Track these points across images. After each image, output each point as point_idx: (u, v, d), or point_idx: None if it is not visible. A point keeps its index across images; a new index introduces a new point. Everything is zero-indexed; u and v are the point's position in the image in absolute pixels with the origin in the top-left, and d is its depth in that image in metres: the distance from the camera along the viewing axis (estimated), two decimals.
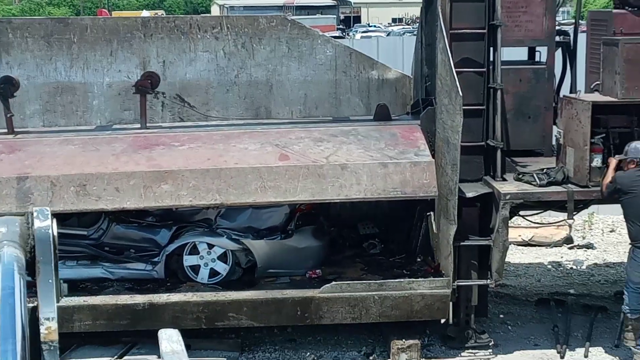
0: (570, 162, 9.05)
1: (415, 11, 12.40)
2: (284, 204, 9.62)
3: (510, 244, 11.91)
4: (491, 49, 9.33)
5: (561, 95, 9.80)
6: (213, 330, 9.38)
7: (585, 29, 11.14)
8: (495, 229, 8.93)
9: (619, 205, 8.90)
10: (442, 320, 9.49)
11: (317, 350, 9.45)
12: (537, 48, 10.45)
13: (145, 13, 60.15)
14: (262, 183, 8.92)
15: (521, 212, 9.87)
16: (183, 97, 10.41)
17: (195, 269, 9.64)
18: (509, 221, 9.23)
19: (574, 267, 12.38)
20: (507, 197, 8.84)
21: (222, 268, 9.65)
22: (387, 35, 42.60)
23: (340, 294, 9.01)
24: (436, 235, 9.37)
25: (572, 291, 11.26)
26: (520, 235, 13.26)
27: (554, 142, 9.83)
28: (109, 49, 10.27)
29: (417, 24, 11.73)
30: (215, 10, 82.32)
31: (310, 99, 10.57)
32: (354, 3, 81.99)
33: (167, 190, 8.87)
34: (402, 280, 9.18)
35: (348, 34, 50.45)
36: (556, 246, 13.30)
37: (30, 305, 3.72)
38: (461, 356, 9.31)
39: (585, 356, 9.28)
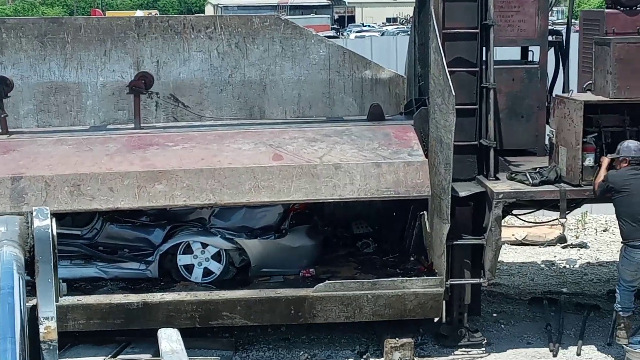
0: (562, 161, 9.09)
1: (410, 11, 12.45)
2: (277, 204, 9.65)
3: (503, 243, 11.98)
4: (484, 48, 9.37)
5: (554, 95, 9.84)
6: (207, 330, 9.40)
7: (578, 28, 11.19)
8: (488, 227, 8.96)
9: (612, 205, 8.94)
10: (436, 319, 9.51)
11: (311, 349, 9.48)
12: (530, 48, 10.48)
13: (139, 13, 60.10)
14: (255, 183, 8.95)
15: (514, 211, 9.91)
16: (177, 97, 10.43)
17: (189, 268, 9.66)
18: (502, 220, 9.27)
19: (567, 266, 12.43)
20: (500, 196, 8.87)
21: (216, 267, 9.67)
22: (382, 35, 42.63)
23: (334, 293, 9.04)
24: (429, 234, 9.40)
25: (565, 290, 11.30)
26: (513, 235, 13.30)
27: (546, 142, 9.87)
28: (102, 48, 10.29)
29: (411, 24, 11.76)
30: (209, 10, 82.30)
31: (303, 99, 10.60)
32: (348, 3, 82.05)
33: (161, 190, 8.89)
34: (395, 279, 9.22)
35: (342, 34, 50.48)
36: (549, 245, 13.35)
37: (30, 304, 3.73)
38: (454, 355, 9.33)
39: (578, 354, 9.32)
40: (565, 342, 9.59)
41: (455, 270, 9.24)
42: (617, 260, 9.13)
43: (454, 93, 8.51)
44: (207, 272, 9.66)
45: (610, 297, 10.00)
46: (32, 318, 3.75)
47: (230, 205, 9.30)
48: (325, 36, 17.65)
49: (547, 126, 9.87)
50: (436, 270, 9.21)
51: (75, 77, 10.31)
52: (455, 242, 9.08)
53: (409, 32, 11.86)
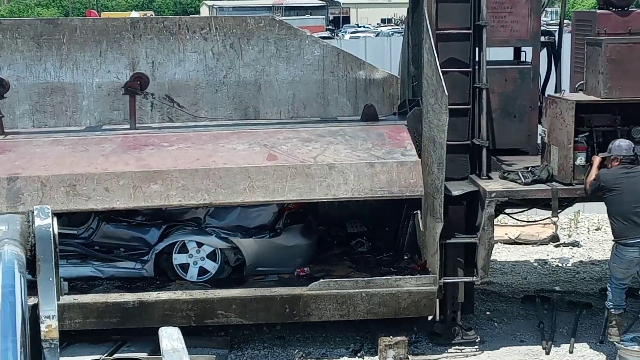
0: (554, 161, 9.17)
1: (405, 12, 12.48)
2: (272, 204, 9.71)
3: (496, 242, 12.05)
4: (477, 49, 9.44)
5: (546, 95, 9.92)
6: (202, 328, 9.45)
7: (570, 29, 11.26)
8: (481, 226, 9.03)
9: (604, 204, 9.00)
10: (429, 317, 9.59)
11: (306, 347, 9.54)
12: (523, 48, 10.54)
13: (134, 14, 60.09)
14: (250, 183, 9.01)
15: (507, 210, 9.98)
16: (172, 98, 10.49)
17: (185, 267, 9.72)
18: (495, 219, 9.34)
19: (560, 264, 12.51)
20: (493, 195, 8.95)
21: (211, 266, 9.72)
22: (376, 35, 42.67)
23: (328, 292, 9.10)
24: (423, 233, 9.47)
25: (557, 288, 11.38)
26: (507, 234, 13.37)
27: (539, 141, 9.94)
28: (98, 49, 10.35)
29: (404, 25, 11.82)
30: (204, 11, 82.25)
31: (298, 99, 10.66)
32: (343, 4, 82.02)
33: (156, 190, 8.94)
34: (389, 277, 9.28)
35: (337, 35, 50.50)
36: (542, 244, 13.42)
37: (31, 303, 3.74)
38: (448, 352, 9.39)
39: (570, 352, 9.39)
40: (557, 340, 9.66)
41: (449, 269, 9.31)
42: (609, 258, 9.20)
43: (446, 93, 8.58)
44: (202, 271, 9.72)
45: (602, 295, 10.06)
46: (33, 317, 3.74)
47: (225, 205, 9.36)
48: (320, 37, 17.70)
49: (539, 126, 9.94)
50: (430, 269, 9.28)
51: (71, 77, 10.36)
52: (448, 241, 9.15)
53: (403, 33, 11.92)
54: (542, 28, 10.48)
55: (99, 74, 10.38)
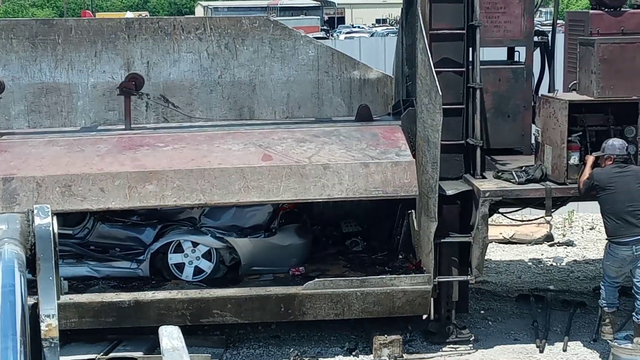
0: (548, 160, 9.21)
1: (399, 12, 12.50)
2: (267, 204, 9.74)
3: (491, 242, 12.09)
4: (470, 49, 9.49)
5: (539, 95, 9.96)
6: (198, 327, 9.48)
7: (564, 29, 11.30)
8: (475, 225, 9.07)
9: (597, 203, 9.05)
10: (424, 316, 9.63)
11: (301, 346, 9.57)
12: (516, 48, 10.59)
13: (129, 14, 60.03)
14: (245, 183, 9.04)
15: (501, 210, 10.02)
16: (167, 98, 10.51)
17: (180, 267, 9.75)
18: (490, 219, 9.38)
19: (554, 263, 12.56)
20: (487, 194, 8.99)
21: (207, 266, 9.76)
22: (371, 36, 42.68)
23: (323, 291, 9.13)
24: (417, 232, 9.51)
25: (551, 287, 11.42)
26: (501, 233, 13.42)
27: (532, 141, 9.99)
28: (93, 50, 10.37)
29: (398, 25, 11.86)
30: (199, 12, 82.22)
31: (292, 99, 10.69)
32: (338, 4, 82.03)
33: (151, 190, 8.97)
34: (384, 276, 9.31)
35: (332, 35, 50.51)
36: (537, 244, 13.47)
37: (31, 302, 3.75)
38: (442, 351, 9.43)
39: (564, 350, 9.43)
40: (551, 339, 9.70)
41: (443, 268, 9.34)
42: (603, 257, 9.24)
43: (440, 93, 8.63)
44: (197, 271, 9.75)
45: (596, 294, 10.11)
46: (33, 316, 3.73)
47: (220, 205, 9.39)
48: (315, 37, 17.70)
49: (533, 125, 9.98)
50: (424, 268, 9.32)
51: (66, 78, 10.38)
52: (442, 240, 9.19)
53: (397, 33, 11.96)
54: (536, 28, 10.53)
55: (94, 74, 10.41)
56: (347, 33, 50.43)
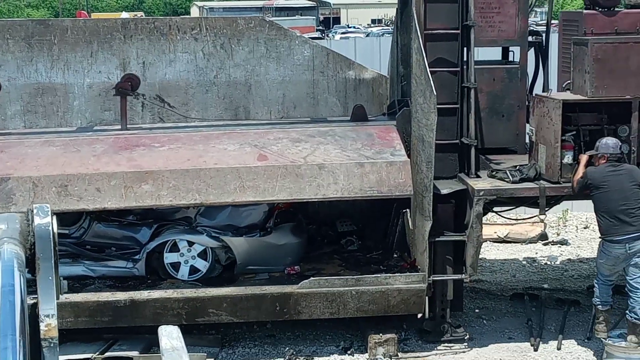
0: (542, 159, 9.26)
1: (394, 12, 12.50)
2: (262, 204, 9.77)
3: (485, 241, 12.14)
4: (465, 49, 9.53)
5: (534, 94, 10.01)
6: (193, 327, 9.50)
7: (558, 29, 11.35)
8: (470, 224, 9.11)
9: (591, 202, 9.09)
10: (419, 315, 9.67)
11: (296, 345, 9.60)
12: (510, 48, 10.63)
13: (124, 15, 60.03)
14: (241, 183, 9.07)
15: (495, 209, 10.07)
16: (163, 98, 10.54)
17: (176, 266, 9.77)
18: (484, 218, 9.41)
19: (548, 262, 12.61)
20: (481, 193, 9.03)
21: (202, 265, 9.78)
22: (366, 36, 42.74)
23: (319, 290, 9.17)
24: (412, 231, 9.55)
25: (546, 286, 11.46)
26: (496, 232, 13.46)
27: (527, 140, 10.03)
28: (89, 50, 10.39)
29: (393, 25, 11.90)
30: (194, 12, 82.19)
31: (288, 99, 10.73)
32: (334, 4, 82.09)
33: (147, 190, 9.00)
34: (378, 275, 9.34)
35: (327, 35, 50.56)
36: (531, 242, 13.51)
37: (30, 301, 3.75)
38: (437, 350, 9.46)
39: (558, 348, 9.48)
40: (546, 337, 9.74)
41: (438, 267, 9.38)
42: (596, 255, 9.28)
43: (435, 93, 8.67)
44: (193, 270, 9.78)
45: (590, 293, 10.14)
46: (32, 315, 3.71)
47: (215, 205, 9.43)
48: (311, 37, 17.74)
49: (527, 125, 10.03)
50: (419, 267, 9.36)
51: (62, 78, 10.40)
52: (437, 239, 9.23)
53: (392, 33, 12.00)
54: (530, 28, 10.58)
55: (90, 74, 10.43)
56: (343, 33, 50.53)
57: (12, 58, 10.30)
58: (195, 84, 10.58)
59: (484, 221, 9.48)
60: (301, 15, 68.13)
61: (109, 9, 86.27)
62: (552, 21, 11.68)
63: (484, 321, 10.28)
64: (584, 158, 8.98)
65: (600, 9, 9.80)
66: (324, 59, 10.75)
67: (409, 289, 9.19)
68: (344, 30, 57.11)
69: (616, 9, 9.82)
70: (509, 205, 9.91)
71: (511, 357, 9.34)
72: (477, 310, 10.58)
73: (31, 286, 3.76)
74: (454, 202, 9.37)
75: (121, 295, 9.15)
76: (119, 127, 10.04)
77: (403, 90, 10.36)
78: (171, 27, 10.48)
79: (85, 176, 8.98)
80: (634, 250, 8.73)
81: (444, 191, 9.23)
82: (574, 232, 14.19)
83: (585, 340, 9.60)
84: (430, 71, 8.84)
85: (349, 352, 9.45)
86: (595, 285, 9.09)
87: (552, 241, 13.59)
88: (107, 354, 8.99)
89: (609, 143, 8.90)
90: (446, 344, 9.54)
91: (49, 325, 3.66)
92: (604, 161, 8.89)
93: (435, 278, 9.34)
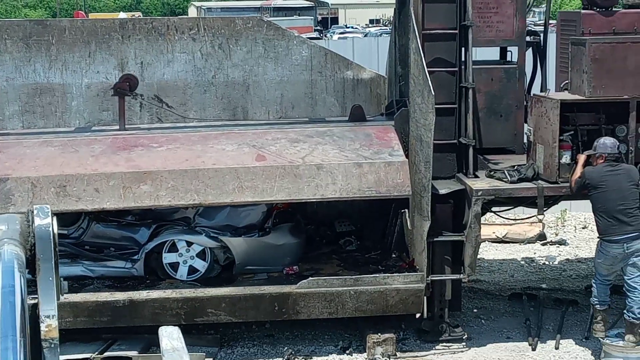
0: (540, 159, 9.27)
1: (392, 13, 12.49)
2: (261, 204, 9.77)
3: (484, 241, 12.16)
4: (463, 49, 9.54)
5: (532, 94, 10.02)
6: (192, 327, 9.50)
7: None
8: (468, 224, 9.12)
9: (589, 202, 9.10)
10: (417, 315, 9.67)
11: (295, 345, 9.61)
12: (508, 48, 10.64)
13: (122, 15, 60.02)
14: (239, 183, 9.07)
15: (494, 209, 10.08)
16: (161, 98, 10.54)
17: (175, 266, 9.78)
18: (483, 218, 9.42)
19: (547, 262, 12.62)
20: (479, 193, 9.04)
21: (201, 265, 9.79)
22: (365, 36, 42.74)
23: (317, 290, 9.17)
24: (410, 231, 9.55)
25: (544, 286, 11.47)
26: (494, 232, 13.47)
27: (525, 140, 10.04)
28: (87, 50, 10.40)
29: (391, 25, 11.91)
30: (192, 12, 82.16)
31: (286, 99, 10.73)
32: (332, 4, 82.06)
33: (146, 190, 9.00)
34: (377, 275, 9.35)
35: (325, 35, 50.55)
36: (529, 243, 13.53)
37: (31, 302, 3.74)
38: (435, 349, 9.47)
39: (556, 348, 9.49)
40: (544, 337, 9.76)
41: (436, 267, 9.39)
42: (594, 255, 9.29)
43: (433, 92, 8.68)
44: (192, 270, 9.79)
45: (588, 293, 10.16)
46: (33, 316, 3.71)
47: (214, 205, 9.43)
48: (309, 37, 17.73)
49: (525, 125, 10.04)
50: (417, 267, 9.37)
51: (60, 78, 10.40)
52: (435, 239, 9.24)
53: (390, 33, 12.01)
54: (528, 28, 10.59)
55: (88, 74, 10.43)
56: (341, 33, 50.53)
57: (10, 58, 10.30)
58: (194, 84, 10.59)
59: (482, 221, 9.48)
60: (299, 16, 68.13)
61: (107, 9, 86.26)
62: (550, 21, 11.67)
63: (482, 321, 10.30)
64: (582, 158, 8.99)
65: (598, 9, 9.82)
66: (322, 59, 10.76)
67: (407, 289, 9.20)
68: (342, 30, 57.09)
69: (614, 9, 9.84)
70: (507, 205, 9.93)
71: (509, 356, 9.35)
72: (475, 310, 10.60)
73: (31, 286, 3.77)
74: (452, 202, 9.38)
75: (120, 296, 9.15)
76: (117, 127, 10.05)
77: (401, 90, 10.37)
78: (169, 27, 10.49)
79: (83, 176, 8.99)
80: (631, 250, 8.75)
81: (442, 191, 9.24)
82: (572, 232, 14.20)
83: (583, 340, 9.61)
84: (428, 71, 8.86)
85: (347, 351, 9.46)
86: (593, 285, 9.10)
87: (551, 241, 13.61)
88: (106, 353, 8.99)
89: (606, 143, 8.91)
90: (444, 344, 9.55)
91: (49, 326, 3.66)
92: (602, 161, 8.90)
93: (434, 278, 9.35)
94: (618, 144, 8.97)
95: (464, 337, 9.64)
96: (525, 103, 10.14)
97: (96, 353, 8.94)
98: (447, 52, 9.52)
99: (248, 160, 9.22)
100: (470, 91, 9.46)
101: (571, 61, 9.43)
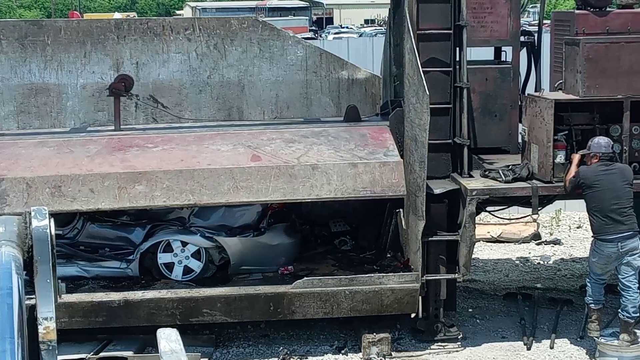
0: (534, 159, 9.29)
1: (387, 13, 12.48)
2: (256, 204, 9.78)
3: (479, 241, 12.18)
4: (457, 49, 9.55)
5: (526, 94, 10.05)
6: (188, 327, 9.50)
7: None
8: (463, 224, 9.14)
9: (584, 201, 9.12)
10: (412, 314, 9.69)
11: (290, 344, 9.61)
12: (503, 48, 10.67)
13: (117, 15, 60.00)
14: (234, 183, 9.08)
15: (488, 208, 10.09)
16: (156, 98, 10.55)
17: (170, 266, 9.78)
18: (477, 218, 9.44)
19: (541, 262, 12.64)
20: (474, 193, 9.06)
21: (196, 265, 9.79)
22: (359, 36, 42.75)
23: (312, 290, 9.18)
24: (405, 231, 9.57)
25: (539, 285, 11.49)
26: (489, 232, 13.49)
27: (519, 140, 10.06)
28: (82, 50, 10.40)
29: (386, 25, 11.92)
30: (187, 12, 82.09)
31: (281, 99, 10.75)
32: (327, 4, 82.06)
33: (141, 191, 9.01)
34: (372, 275, 9.35)
35: (320, 35, 50.56)
36: (524, 242, 13.55)
37: (28, 302, 3.73)
38: (431, 349, 9.48)
39: (551, 347, 9.51)
40: (539, 336, 9.77)
41: (431, 266, 9.40)
42: (589, 254, 9.31)
43: (427, 92, 8.69)
44: (187, 270, 9.79)
45: (583, 292, 10.16)
46: (31, 318, 3.71)
47: (209, 206, 9.43)
48: (304, 38, 17.72)
49: (519, 124, 10.07)
50: (412, 266, 9.38)
51: (55, 78, 10.41)
52: (430, 239, 9.25)
53: (385, 33, 12.02)
54: (522, 28, 10.62)
55: (83, 74, 10.44)
56: (336, 33, 50.51)
57: (6, 59, 10.31)
58: (189, 85, 10.60)
59: (477, 221, 9.50)
60: (294, 16, 68.14)
61: (102, 10, 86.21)
62: (544, 21, 11.70)
63: (477, 320, 10.31)
64: (576, 157, 9.02)
65: (591, 9, 9.84)
66: (317, 59, 10.78)
67: (402, 289, 9.22)
68: (337, 30, 57.11)
69: (608, 9, 9.86)
70: (501, 205, 9.94)
71: (504, 356, 9.37)
72: (470, 310, 10.61)
73: (27, 287, 3.76)
74: (447, 202, 9.39)
75: (115, 296, 9.16)
76: (113, 127, 10.06)
77: (396, 90, 10.38)
78: (164, 28, 10.50)
79: (78, 177, 8.99)
80: (626, 249, 8.77)
81: (437, 191, 9.26)
82: (566, 232, 14.23)
83: (578, 339, 9.63)
84: (422, 71, 8.87)
85: (342, 351, 9.47)
86: (588, 284, 9.13)
87: (545, 241, 13.64)
88: (102, 354, 8.99)
89: (601, 142, 8.93)
90: (439, 344, 9.56)
91: (47, 328, 3.68)
92: (596, 160, 8.92)
93: (429, 278, 9.36)
94: (612, 143, 8.99)
95: (459, 337, 9.65)
96: (519, 103, 10.17)
97: (91, 353, 8.95)
98: (442, 52, 9.53)
99: (243, 160, 9.23)
100: (465, 91, 9.48)
101: (565, 61, 9.46)
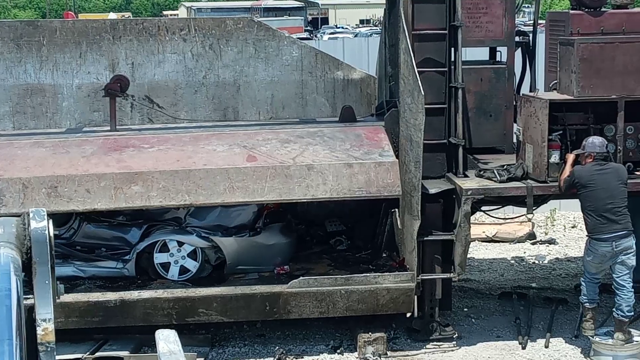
0: (529, 159, 9.32)
1: (383, 13, 12.51)
2: (252, 204, 9.80)
3: (474, 240, 12.21)
4: (452, 49, 9.59)
5: (521, 94, 10.07)
6: (184, 326, 9.51)
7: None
8: (458, 224, 9.16)
9: (578, 201, 9.15)
10: (408, 314, 9.71)
11: (286, 344, 9.63)
12: (498, 48, 10.69)
13: (112, 15, 59.94)
14: (230, 184, 9.10)
15: (483, 208, 10.12)
16: (152, 99, 10.56)
17: (166, 266, 9.79)
18: (472, 217, 9.46)
19: (536, 261, 12.67)
20: (469, 192, 9.09)
21: (192, 265, 9.81)
22: (355, 36, 42.76)
23: (308, 289, 9.20)
24: (401, 230, 9.59)
25: (534, 285, 11.52)
26: (484, 232, 13.52)
27: (514, 140, 10.09)
28: (78, 51, 10.41)
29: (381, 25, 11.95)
30: (182, 13, 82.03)
31: (277, 99, 10.76)
32: (322, 5, 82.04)
33: (137, 191, 9.02)
34: (367, 274, 9.37)
35: (316, 36, 50.56)
36: (519, 242, 13.58)
37: (27, 303, 3.72)
38: (426, 348, 9.50)
39: (546, 346, 9.53)
40: (534, 335, 9.80)
41: (426, 266, 9.43)
42: (583, 253, 9.35)
43: (423, 93, 8.72)
44: (183, 270, 9.80)
45: (577, 291, 10.19)
46: (29, 320, 3.72)
47: (205, 206, 9.45)
48: (299, 38, 17.74)
49: (514, 124, 10.10)
50: (407, 266, 9.40)
51: (51, 79, 10.42)
52: (425, 238, 9.27)
53: (380, 34, 12.04)
54: (517, 28, 10.65)
55: (78, 75, 10.45)
56: (331, 34, 50.51)
57: (1, 59, 10.31)
58: (184, 85, 10.61)
59: (472, 220, 9.52)
60: (289, 16, 68.15)
61: (97, 10, 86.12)
62: (540, 21, 11.73)
63: (473, 320, 10.34)
64: (570, 157, 9.05)
65: (586, 10, 9.87)
66: (312, 60, 10.80)
67: (397, 288, 9.24)
68: (332, 30, 57.09)
69: (602, 10, 9.90)
70: (496, 205, 9.96)
71: (499, 355, 9.40)
72: (465, 309, 10.64)
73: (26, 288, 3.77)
74: (442, 202, 9.42)
75: (111, 296, 9.16)
76: (108, 128, 10.07)
77: (391, 90, 10.40)
78: (160, 28, 10.51)
79: (75, 177, 9.00)
80: (620, 249, 8.81)
81: (432, 191, 9.28)
82: (561, 232, 14.26)
83: (573, 338, 9.66)
84: (418, 71, 8.90)
85: (338, 351, 9.49)
86: (583, 283, 9.16)
87: (540, 240, 13.67)
88: (98, 354, 9.00)
89: (595, 142, 8.97)
90: (435, 343, 9.58)
91: (45, 329, 3.68)
92: (591, 160, 8.96)
93: (424, 277, 9.38)
94: (607, 143, 9.03)
95: (454, 336, 9.67)
96: (514, 103, 10.19)
97: (87, 353, 8.96)
98: (437, 52, 9.56)
99: (239, 160, 9.25)
100: (460, 91, 9.51)
101: (560, 61, 9.49)
